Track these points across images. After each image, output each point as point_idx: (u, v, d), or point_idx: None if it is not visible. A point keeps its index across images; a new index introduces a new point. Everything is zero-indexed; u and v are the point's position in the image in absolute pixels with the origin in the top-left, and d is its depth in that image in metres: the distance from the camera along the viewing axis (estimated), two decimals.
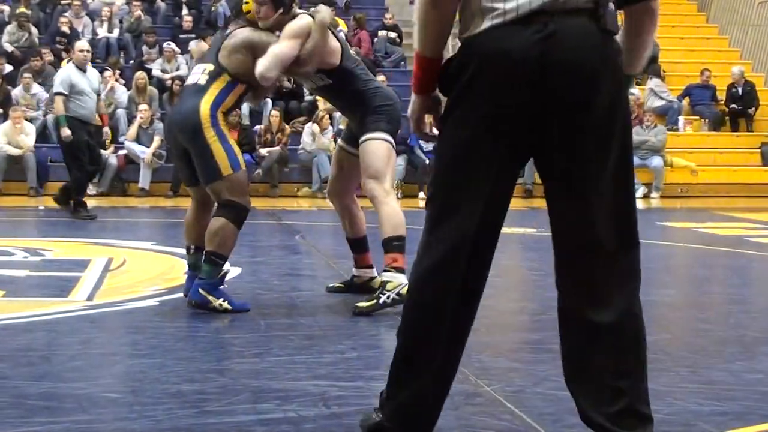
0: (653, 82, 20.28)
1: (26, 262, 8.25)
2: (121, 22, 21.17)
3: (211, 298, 5.92)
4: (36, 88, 18.44)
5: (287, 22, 6.10)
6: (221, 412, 3.85)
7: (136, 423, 3.69)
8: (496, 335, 5.71)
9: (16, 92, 18.41)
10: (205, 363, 4.65)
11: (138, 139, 17.30)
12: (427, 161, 17.81)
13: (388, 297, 5.90)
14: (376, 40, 21.27)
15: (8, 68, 19.11)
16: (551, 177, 3.14)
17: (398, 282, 5.88)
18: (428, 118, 3.23)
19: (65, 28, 20.06)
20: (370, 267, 6.63)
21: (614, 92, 2.99)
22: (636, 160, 18.31)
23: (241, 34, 6.20)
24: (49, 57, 19.19)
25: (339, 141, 6.68)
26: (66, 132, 12.36)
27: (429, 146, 18.01)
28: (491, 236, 3.19)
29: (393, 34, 21.58)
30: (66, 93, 12.31)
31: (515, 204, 16.68)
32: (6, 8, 21.04)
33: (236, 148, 6.17)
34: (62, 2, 21.37)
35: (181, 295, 6.33)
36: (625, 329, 3.13)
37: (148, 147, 17.05)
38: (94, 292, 6.76)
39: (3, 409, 3.83)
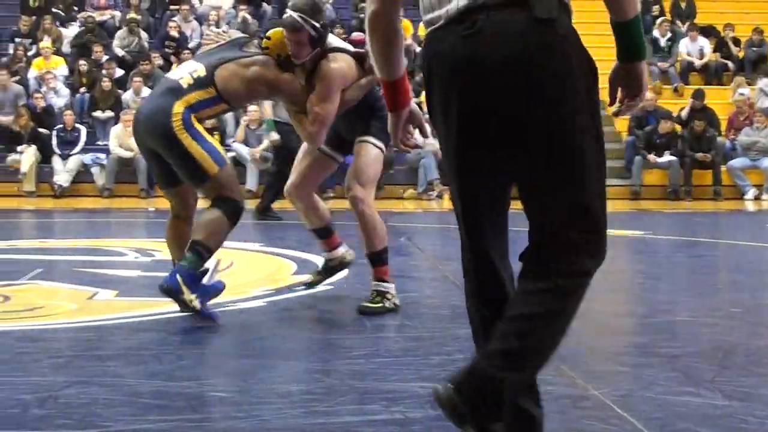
0: (763, 82, 19.94)
1: (138, 262, 8.38)
2: (228, 25, 21.40)
3: (185, 289, 5.51)
4: (146, 92, 18.68)
5: (319, 57, 5.89)
6: (328, 412, 3.87)
7: (244, 422, 3.73)
8: (603, 339, 5.67)
9: (127, 96, 18.72)
10: (312, 363, 4.68)
11: (246, 141, 17.46)
12: None
13: (390, 303, 6.03)
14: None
15: (119, 72, 19.44)
16: (515, 178, 2.99)
17: (394, 292, 6.09)
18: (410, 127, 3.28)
19: (174, 33, 20.35)
20: (340, 244, 6.71)
21: (562, 82, 2.84)
22: (746, 161, 18.12)
23: (262, 68, 5.86)
24: (158, 61, 19.48)
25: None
26: (274, 136, 12.32)
27: None
28: (500, 245, 3.11)
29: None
30: None
31: (622, 206, 16.63)
32: (117, 14, 21.41)
33: (216, 143, 5.83)
34: (171, 7, 21.67)
35: (289, 295, 6.38)
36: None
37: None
38: None
39: (116, 406, 3.90)
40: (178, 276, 5.54)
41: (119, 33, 20.54)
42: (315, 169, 6.38)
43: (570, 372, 4.51)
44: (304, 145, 6.31)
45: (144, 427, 3.63)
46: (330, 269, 6.76)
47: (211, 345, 5.32)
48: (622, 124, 19.42)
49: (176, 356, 4.83)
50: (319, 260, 8.07)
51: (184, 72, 5.84)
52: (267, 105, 12.27)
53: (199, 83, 5.76)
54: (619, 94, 3.02)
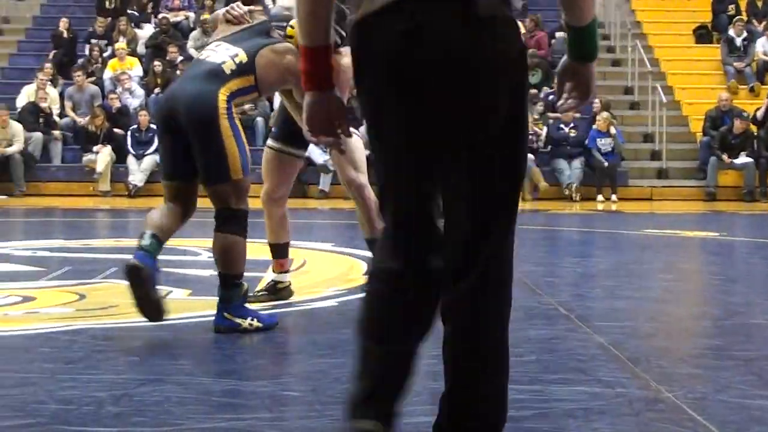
0: None
1: (211, 262, 8.37)
2: None
3: (238, 320, 5.40)
4: None
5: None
6: (402, 412, 3.87)
7: (316, 421, 3.74)
8: (677, 340, 5.63)
9: None
10: None
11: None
12: (606, 163, 17.62)
13: None
14: (553, 41, 21.13)
15: None
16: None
17: None
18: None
19: None
20: (288, 271, 6.54)
21: (496, 83, 2.70)
22: None
23: (295, 58, 5.46)
24: None
25: (274, 142, 6.39)
26: None
27: (608, 146, 17.83)
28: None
29: None
30: None
31: (697, 207, 16.47)
32: (191, 15, 21.59)
33: (247, 149, 5.49)
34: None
35: (361, 295, 6.37)
36: None
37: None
38: None
39: (189, 404, 3.93)
40: (225, 315, 5.41)
41: (193, 34, 20.71)
42: (284, 171, 6.36)
43: (644, 374, 4.48)
44: (267, 153, 6.35)
45: (216, 426, 3.66)
46: (277, 291, 6.47)
47: (283, 344, 5.35)
48: (696, 124, 19.25)
49: (249, 355, 4.86)
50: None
51: (225, 56, 5.47)
52: None
53: (240, 70, 5.45)
54: (565, 92, 2.88)
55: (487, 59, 2.67)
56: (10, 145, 17.58)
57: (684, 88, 20.68)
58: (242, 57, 5.46)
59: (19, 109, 18.46)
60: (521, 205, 13.73)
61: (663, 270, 8.10)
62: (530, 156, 17.73)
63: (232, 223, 5.46)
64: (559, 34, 21.21)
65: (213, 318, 5.54)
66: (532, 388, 4.22)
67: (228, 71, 5.41)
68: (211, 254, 5.52)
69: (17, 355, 4.93)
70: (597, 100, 18.68)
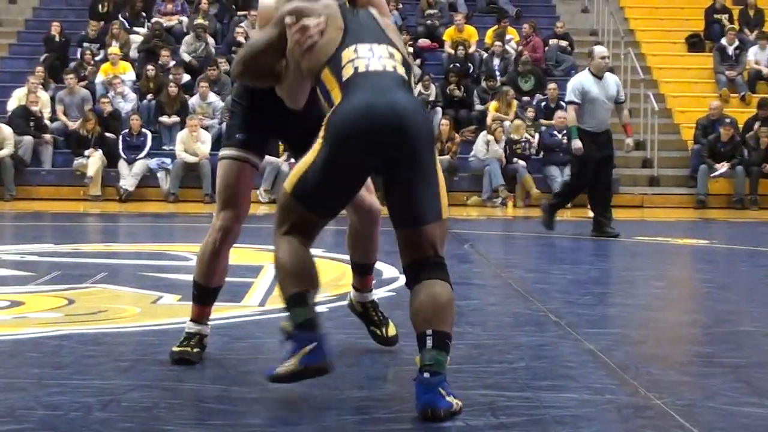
0: None
1: None
2: None
3: (452, 400, 3.95)
4: (212, 97, 18.88)
5: None
6: (389, 419, 3.88)
7: (305, 428, 3.74)
8: (667, 348, 5.64)
9: (193, 101, 18.87)
10: (373, 370, 4.69)
11: None
12: None
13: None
14: (547, 48, 21.17)
15: (186, 77, 19.59)
16: None
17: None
18: None
19: (241, 38, 20.45)
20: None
21: None
22: None
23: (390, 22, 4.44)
24: (225, 66, 19.61)
25: (240, 151, 4.77)
26: (576, 144, 11.72)
27: None
28: None
29: (564, 43, 21.44)
30: (578, 102, 11.80)
31: (687, 215, 16.44)
32: (184, 19, 21.57)
33: None
34: (239, 13, 21.81)
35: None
36: None
37: None
38: (266, 297, 6.88)
39: (178, 410, 3.93)
40: (441, 391, 3.92)
41: (186, 38, 20.70)
42: (250, 187, 4.93)
43: (633, 381, 4.48)
44: (235, 166, 4.74)
45: None
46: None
47: (273, 351, 5.33)
48: (687, 132, 19.28)
49: (238, 361, 4.86)
50: (382, 266, 8.09)
51: (385, 57, 4.15)
52: (571, 110, 11.87)
53: (406, 68, 4.28)
54: None
55: None
56: (1, 149, 17.55)
57: (676, 96, 20.71)
58: (396, 54, 4.23)
59: (9, 113, 18.43)
60: (512, 213, 13.76)
61: (653, 277, 8.10)
62: (522, 163, 17.75)
63: (445, 272, 4.24)
64: (552, 42, 21.25)
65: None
66: (522, 395, 4.22)
67: (405, 75, 4.23)
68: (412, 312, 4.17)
69: (5, 360, 4.92)
70: None
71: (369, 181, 4.75)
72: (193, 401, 4.07)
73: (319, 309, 6.29)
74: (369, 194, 4.89)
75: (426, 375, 3.91)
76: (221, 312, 6.16)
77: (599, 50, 12.30)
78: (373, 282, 5.28)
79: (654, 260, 9.83)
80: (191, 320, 4.95)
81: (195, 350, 4.80)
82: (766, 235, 13.64)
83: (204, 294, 4.97)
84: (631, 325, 6.05)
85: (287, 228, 4.17)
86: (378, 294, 6.82)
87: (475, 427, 3.76)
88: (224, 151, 4.80)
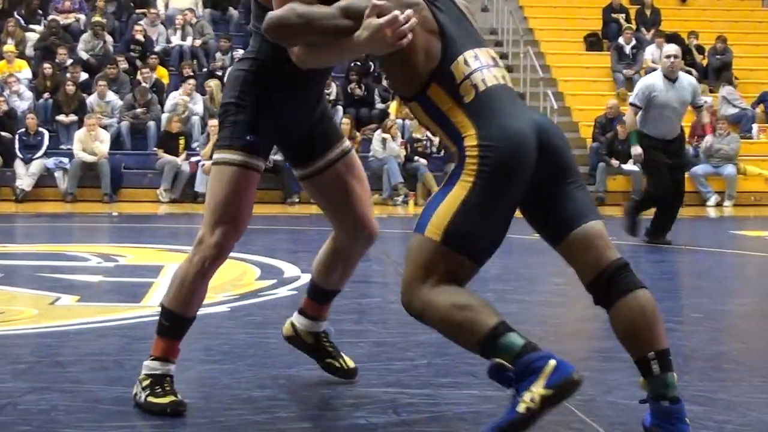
0: (725, 90, 20.10)
1: (100, 267, 8.34)
2: (192, 27, 21.32)
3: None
4: (110, 96, 18.68)
5: None
6: (292, 418, 3.87)
7: (207, 428, 3.71)
8: (567, 343, 5.69)
9: (91, 100, 18.66)
10: (276, 369, 4.67)
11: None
12: None
13: None
14: None
15: (84, 76, 19.35)
16: None
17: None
18: None
19: (139, 36, 20.28)
20: None
21: None
22: (709, 168, 18.26)
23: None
24: (123, 65, 19.43)
25: (248, 157, 4.00)
26: (636, 150, 10.69)
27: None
28: None
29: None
30: (639, 105, 10.61)
31: None
32: (82, 17, 21.30)
33: None
34: (137, 11, 21.60)
35: (254, 301, 6.34)
36: None
37: None
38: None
39: (77, 413, 3.87)
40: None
41: (84, 36, 20.45)
42: (252, 199, 4.16)
43: None
44: (242, 173, 3.99)
45: None
46: None
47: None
48: (586, 130, 19.52)
49: (139, 362, 4.78)
50: (284, 265, 8.07)
51: (501, 70, 3.72)
52: (630, 113, 10.79)
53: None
54: None
55: None
56: None
57: (574, 94, 20.95)
58: (496, 56, 3.87)
59: None
60: (414, 211, 13.81)
61: (553, 274, 8.18)
62: (422, 161, 17.83)
63: (634, 273, 3.90)
64: None
65: (104, 324, 5.47)
66: (423, 392, 4.24)
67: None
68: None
69: None
70: None
71: (371, 200, 4.40)
72: (92, 403, 4.01)
73: (221, 309, 6.30)
74: (371, 215, 4.37)
75: (666, 404, 3.52)
76: (121, 312, 6.11)
77: (666, 49, 11.09)
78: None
79: (554, 257, 9.84)
80: (155, 358, 4.07)
81: (178, 396, 3.97)
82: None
83: (180, 325, 4.11)
84: (531, 321, 6.10)
85: (436, 280, 3.45)
86: (280, 293, 6.83)
87: (377, 424, 3.77)
88: (227, 155, 3.98)
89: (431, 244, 3.44)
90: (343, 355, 4.51)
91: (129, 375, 4.51)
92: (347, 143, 4.31)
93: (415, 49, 3.54)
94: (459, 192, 3.43)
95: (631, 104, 10.79)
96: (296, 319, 4.55)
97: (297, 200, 16.86)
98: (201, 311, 6.24)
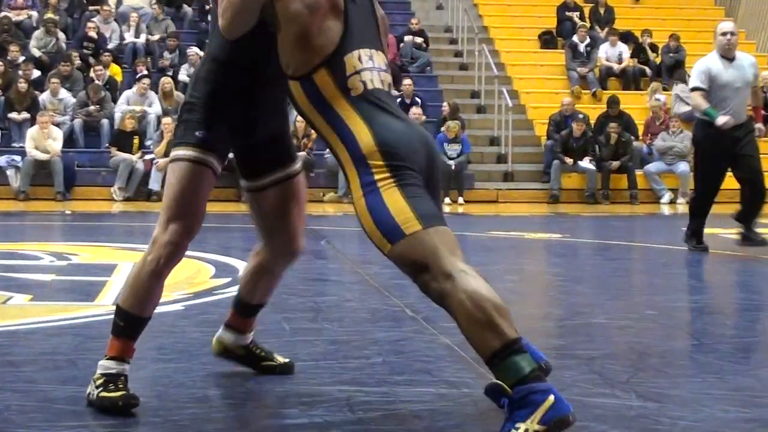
0: (678, 88, 20.22)
1: (53, 266, 8.28)
2: (147, 26, 21.22)
3: None
4: (63, 93, 18.55)
5: None
6: (247, 417, 3.86)
7: (161, 427, 3.70)
8: None
9: (44, 97, 18.52)
10: (230, 367, 4.65)
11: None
12: (453, 166, 17.75)
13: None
14: (402, 45, 21.29)
15: (36, 73, 19.21)
16: None
17: None
18: None
19: (92, 33, 20.16)
20: None
21: None
22: (662, 166, 18.38)
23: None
24: (78, 62, 19.31)
25: (200, 153, 4.01)
26: (721, 120, 9.63)
27: (455, 152, 17.98)
28: None
29: (419, 39, 21.59)
30: (703, 87, 9.75)
31: (541, 210, 16.76)
32: (34, 14, 21.15)
33: None
34: (90, 8, 21.46)
35: (208, 299, 6.31)
36: None
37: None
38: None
39: (30, 412, 3.84)
40: None
41: (36, 33, 20.31)
42: (205, 195, 4.11)
43: (489, 375, 4.52)
44: (197, 169, 4.00)
45: None
46: None
47: None
48: (541, 128, 19.59)
49: (92, 361, 4.76)
50: (238, 264, 8.05)
51: (388, 77, 3.85)
52: (697, 96, 9.82)
53: None
54: None
55: None
56: None
57: (529, 92, 21.03)
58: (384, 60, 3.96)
59: None
60: None
61: (508, 271, 8.20)
62: None
63: None
64: (407, 38, 21.37)
65: (57, 323, 5.43)
66: (378, 390, 4.24)
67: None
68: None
69: None
70: (445, 104, 18.88)
71: (303, 221, 4.37)
72: (45, 403, 3.98)
73: (176, 308, 6.27)
74: (302, 235, 4.38)
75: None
76: (74, 311, 6.07)
77: (721, 26, 10.17)
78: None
79: (508, 254, 9.96)
80: (110, 358, 4.04)
81: (131, 391, 3.94)
82: (617, 228, 13.92)
83: (135, 325, 4.06)
84: None
85: (445, 255, 3.47)
86: (235, 291, 6.79)
87: (332, 422, 3.76)
88: (179, 151, 3.99)
89: (419, 236, 3.47)
90: (274, 353, 4.58)
91: (82, 374, 4.48)
92: (298, 166, 4.31)
93: (315, 26, 3.58)
94: (392, 192, 3.51)
95: (694, 89, 9.88)
96: (223, 335, 4.59)
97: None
98: (155, 310, 6.23)
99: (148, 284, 4.01)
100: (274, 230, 4.31)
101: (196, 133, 3.98)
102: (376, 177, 3.52)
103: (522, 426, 3.27)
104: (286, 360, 4.57)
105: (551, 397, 3.28)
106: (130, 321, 4.04)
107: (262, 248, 4.40)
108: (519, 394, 3.30)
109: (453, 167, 17.64)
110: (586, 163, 18.33)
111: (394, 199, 3.49)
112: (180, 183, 3.96)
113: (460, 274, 3.43)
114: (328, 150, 17.78)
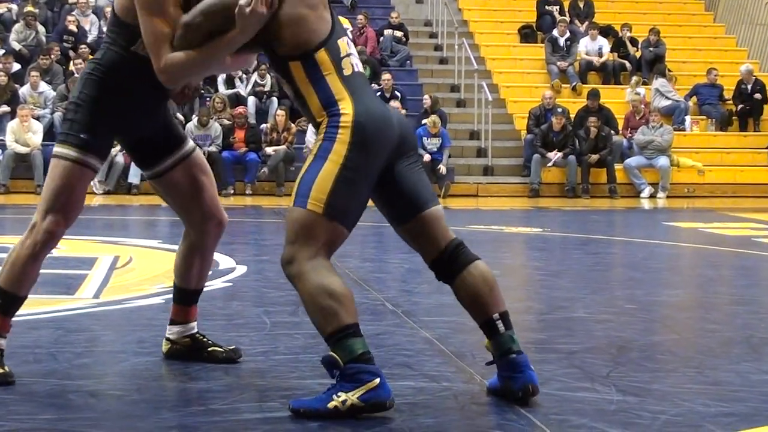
0: (659, 82, 20.27)
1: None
2: None
3: None
4: (43, 87, 18.46)
5: None
6: (226, 410, 3.85)
7: (141, 420, 3.69)
8: None
9: (24, 90, 18.44)
10: (209, 361, 4.65)
11: None
12: (431, 161, 17.71)
13: None
14: (381, 38, 21.28)
15: (16, 66, 19.13)
16: None
17: None
18: None
19: (72, 27, 20.09)
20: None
21: None
22: (642, 160, 18.41)
23: None
24: (56, 55, 19.23)
25: (81, 154, 4.25)
26: None
27: (434, 146, 17.96)
28: None
29: (399, 33, 21.58)
30: None
31: (521, 204, 16.73)
32: (14, 7, 21.07)
33: None
34: (69, 1, 21.38)
35: None
36: None
37: None
38: (100, 289, 6.77)
39: (10, 405, 3.84)
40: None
41: (16, 26, 20.21)
42: (83, 192, 4.43)
43: (469, 368, 4.54)
44: (76, 169, 4.26)
45: (39, 427, 3.59)
46: None
47: (108, 343, 5.26)
48: (520, 122, 19.61)
49: (73, 354, 4.77)
50: (219, 257, 8.04)
51: (353, 52, 4.11)
52: None
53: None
54: None
55: None
56: None
57: (509, 86, 21.03)
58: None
59: None
60: None
61: (488, 265, 8.19)
62: None
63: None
64: (387, 32, 21.36)
65: (37, 316, 5.41)
66: None
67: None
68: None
69: None
70: (426, 97, 18.86)
71: (215, 189, 4.65)
72: (26, 395, 3.98)
73: (156, 301, 6.26)
74: (220, 203, 4.62)
75: (514, 356, 3.97)
76: (54, 305, 6.05)
77: None
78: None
79: (489, 248, 9.95)
80: None
81: (7, 369, 4.23)
82: (597, 222, 13.95)
83: (12, 302, 4.31)
84: (464, 314, 6.12)
85: (316, 250, 3.84)
86: (215, 285, 6.80)
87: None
88: (62, 149, 4.22)
89: (314, 216, 3.80)
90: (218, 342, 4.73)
91: (63, 367, 4.48)
92: (191, 144, 4.57)
93: (316, 13, 3.89)
94: (332, 166, 3.80)
95: None
96: (169, 333, 4.73)
97: (232, 192, 16.75)
98: (135, 303, 6.24)
99: (24, 266, 4.30)
100: (192, 206, 4.55)
101: (81, 135, 4.22)
102: (335, 147, 3.81)
103: (343, 396, 3.71)
104: (232, 346, 4.71)
105: (377, 380, 3.73)
106: (8, 299, 4.31)
107: (187, 229, 4.64)
108: (350, 370, 3.73)
109: (431, 161, 17.57)
110: (553, 155, 18.27)
111: (326, 175, 3.79)
112: (60, 180, 4.24)
113: (319, 265, 3.83)
114: (306, 144, 17.77)
